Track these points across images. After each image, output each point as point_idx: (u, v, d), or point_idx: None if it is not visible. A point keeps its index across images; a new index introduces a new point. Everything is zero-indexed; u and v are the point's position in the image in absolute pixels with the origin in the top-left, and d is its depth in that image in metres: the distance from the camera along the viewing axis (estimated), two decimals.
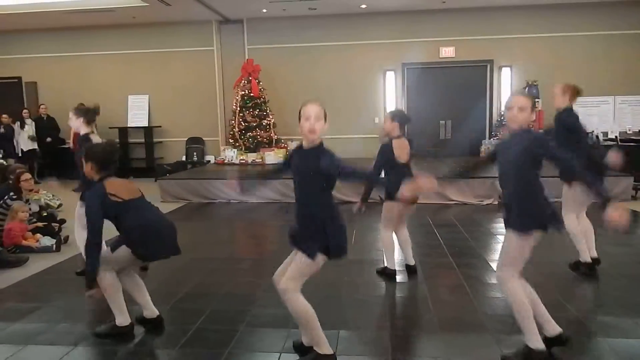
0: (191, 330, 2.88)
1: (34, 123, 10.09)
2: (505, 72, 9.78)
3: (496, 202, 6.73)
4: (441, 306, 3.16)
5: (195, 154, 10.30)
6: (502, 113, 9.71)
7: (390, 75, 10.05)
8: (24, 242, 4.65)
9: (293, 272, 2.35)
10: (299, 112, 2.46)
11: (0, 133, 9.65)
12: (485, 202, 6.76)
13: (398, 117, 3.71)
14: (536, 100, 9.47)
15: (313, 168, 2.36)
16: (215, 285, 3.70)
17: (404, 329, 2.88)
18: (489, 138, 9.80)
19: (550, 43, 9.63)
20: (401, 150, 3.60)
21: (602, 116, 9.63)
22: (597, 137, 8.15)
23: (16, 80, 10.90)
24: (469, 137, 9.97)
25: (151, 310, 2.90)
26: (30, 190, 5.31)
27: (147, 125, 10.53)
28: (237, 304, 3.30)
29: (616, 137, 8.62)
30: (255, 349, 2.66)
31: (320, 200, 2.37)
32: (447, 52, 9.87)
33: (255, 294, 3.46)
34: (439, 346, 2.65)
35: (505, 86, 9.81)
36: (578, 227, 3.75)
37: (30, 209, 5.17)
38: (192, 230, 5.76)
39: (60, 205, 6.68)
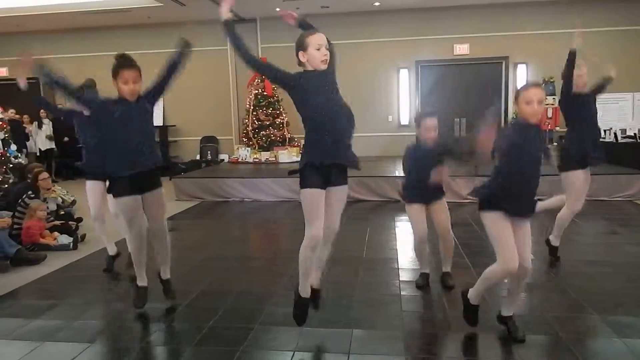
0: (205, 328, 2.90)
1: (51, 123, 10.25)
2: (521, 69, 9.67)
3: None
4: (456, 306, 3.13)
5: (209, 152, 10.38)
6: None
7: (404, 73, 10.00)
8: (42, 240, 4.72)
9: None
10: (302, 42, 2.55)
11: (24, 133, 9.79)
12: None
13: None
14: (553, 97, 9.36)
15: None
16: (229, 283, 3.72)
17: (418, 328, 2.87)
18: None
19: (566, 39, 9.32)
20: None
21: (621, 113, 9.46)
22: (615, 134, 8.01)
23: (34, 81, 11.03)
24: None
25: (164, 272, 3.23)
26: (48, 189, 5.39)
27: (162, 124, 10.63)
28: (251, 302, 3.31)
29: (635, 134, 8.46)
30: (269, 347, 2.66)
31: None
32: (462, 49, 9.78)
33: (269, 293, 3.47)
34: (453, 346, 2.64)
35: (521, 83, 9.65)
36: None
37: (48, 208, 5.25)
38: (207, 229, 5.81)
39: (74, 201, 6.77)
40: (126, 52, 3.16)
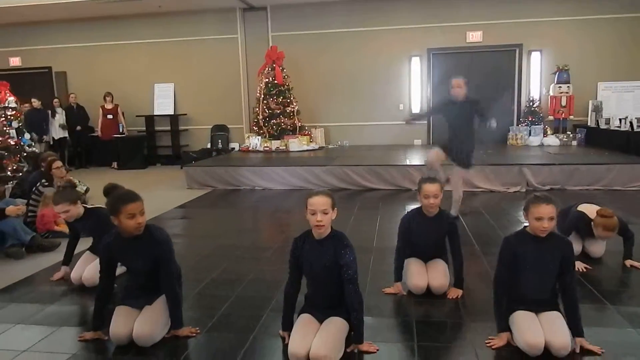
0: (217, 315, 2.93)
1: (64, 112, 10.34)
2: (535, 57, 9.51)
3: (524, 190, 6.60)
4: (467, 294, 3.12)
5: (220, 141, 10.40)
6: (532, 98, 9.49)
7: (415, 61, 9.90)
8: (56, 228, 4.78)
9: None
10: (306, 201, 2.42)
11: (41, 113, 9.86)
12: (512, 190, 6.64)
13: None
14: (567, 85, 9.22)
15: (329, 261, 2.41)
16: (240, 271, 3.74)
17: (428, 316, 2.86)
18: (517, 124, 9.58)
19: (582, 26, 9.32)
20: None
21: (637, 101, 9.31)
22: (631, 122, 7.87)
23: (46, 70, 11.16)
24: (497, 124, 9.76)
25: None
26: (62, 178, 5.45)
27: (172, 113, 10.66)
28: (262, 290, 3.33)
29: None
30: (279, 334, 2.68)
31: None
32: (475, 36, 9.65)
33: (280, 281, 3.47)
34: (464, 334, 2.63)
35: (535, 71, 9.56)
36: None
37: None
38: (218, 217, 5.84)
39: (87, 190, 6.84)
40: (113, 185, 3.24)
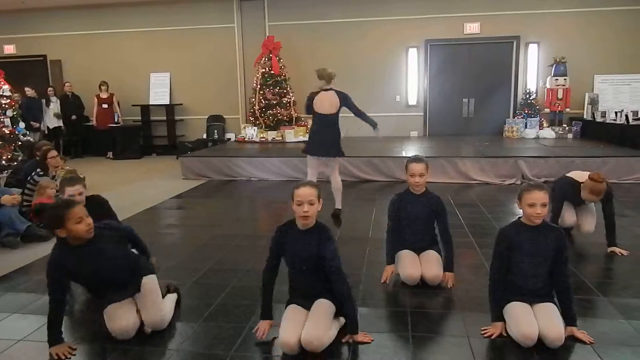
0: (214, 304, 2.94)
1: (59, 101, 10.27)
2: (533, 49, 9.51)
3: (519, 182, 6.62)
4: (461, 285, 3.15)
5: (216, 131, 10.37)
6: (529, 91, 9.49)
7: (412, 52, 9.88)
8: None
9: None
10: (292, 192, 2.46)
11: (37, 102, 9.81)
12: (507, 182, 6.66)
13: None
14: (564, 78, 9.23)
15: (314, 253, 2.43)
16: (237, 261, 3.75)
17: (423, 307, 2.89)
18: (514, 117, 9.60)
19: (580, 18, 9.31)
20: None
21: (633, 94, 9.34)
22: (627, 115, 7.90)
23: (41, 58, 11.06)
24: (493, 116, 9.81)
25: None
26: (57, 167, 5.43)
27: (168, 103, 10.61)
28: (259, 279, 3.30)
29: None
30: (276, 323, 2.69)
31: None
32: (472, 28, 9.63)
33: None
34: (458, 324, 2.65)
35: (532, 63, 9.55)
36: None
37: (57, 185, 5.29)
38: (214, 207, 5.84)
39: (83, 179, 6.81)
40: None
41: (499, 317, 2.51)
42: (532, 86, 9.55)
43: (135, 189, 6.94)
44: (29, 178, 4.91)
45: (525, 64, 9.61)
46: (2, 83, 7.15)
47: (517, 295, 2.50)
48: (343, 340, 2.43)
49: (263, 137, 9.36)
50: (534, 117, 9.29)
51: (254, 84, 9.74)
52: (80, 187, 3.36)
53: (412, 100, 10.04)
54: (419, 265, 3.18)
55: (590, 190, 3.59)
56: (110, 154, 10.27)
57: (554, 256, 2.46)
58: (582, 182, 3.68)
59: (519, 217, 2.56)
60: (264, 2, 10.11)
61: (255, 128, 9.54)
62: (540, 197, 2.41)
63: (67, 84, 10.47)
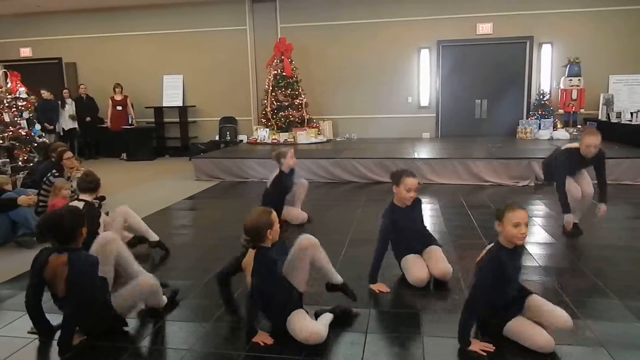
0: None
1: (74, 103, 10.41)
2: (546, 49, 9.41)
3: (532, 184, 6.56)
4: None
5: (228, 133, 10.43)
6: (542, 91, 9.40)
7: (424, 53, 9.84)
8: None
9: None
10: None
11: (52, 104, 9.96)
12: (521, 184, 6.60)
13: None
14: (578, 78, 9.13)
15: None
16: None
17: (435, 309, 2.87)
18: (527, 118, 9.51)
19: (594, 18, 9.20)
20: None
21: None
22: None
23: (56, 61, 11.22)
24: (506, 117, 9.74)
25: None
26: (72, 168, 5.49)
27: (181, 104, 10.70)
28: None
29: None
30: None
31: None
32: (485, 28, 9.56)
33: None
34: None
35: (546, 64, 9.46)
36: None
37: (72, 186, 5.35)
38: (226, 208, 5.87)
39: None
40: None
41: (468, 341, 2.39)
42: (545, 87, 9.46)
43: (149, 189, 7.00)
44: (44, 179, 4.98)
45: (538, 65, 9.52)
46: (19, 85, 7.26)
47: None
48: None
49: (275, 139, 9.39)
50: (547, 118, 9.20)
51: (266, 86, 9.78)
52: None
53: (424, 102, 10.00)
54: (425, 266, 3.18)
55: (587, 139, 3.91)
56: (124, 155, 10.38)
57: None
58: (579, 146, 4.00)
59: (492, 243, 2.45)
60: (276, 4, 10.15)
61: (267, 130, 9.58)
62: (524, 216, 2.31)
63: (81, 86, 10.61)
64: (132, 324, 2.78)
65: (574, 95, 9.11)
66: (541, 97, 9.36)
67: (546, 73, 9.49)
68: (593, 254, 3.80)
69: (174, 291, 3.05)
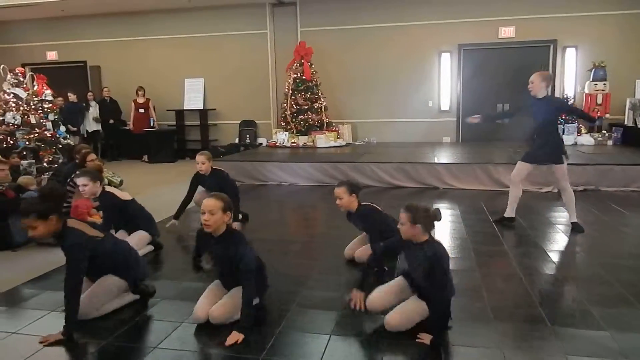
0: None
1: (97, 105, 10.60)
2: (570, 53, 9.24)
3: (555, 190, 6.43)
4: (495, 295, 3.08)
5: (247, 136, 10.50)
6: (566, 96, 9.24)
7: (445, 57, 9.76)
8: (89, 218, 4.90)
9: None
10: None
11: (77, 107, 10.19)
12: (544, 190, 6.48)
13: (353, 187, 3.63)
14: (604, 82, 8.95)
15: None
16: (266, 265, 3.76)
17: (456, 316, 2.83)
18: None
19: (619, 21, 9.01)
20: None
21: None
22: None
23: (82, 64, 11.45)
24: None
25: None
26: None
27: (202, 107, 10.81)
28: (288, 284, 3.35)
29: None
30: (305, 329, 2.69)
31: None
32: (507, 32, 9.44)
33: (306, 276, 3.50)
34: (491, 336, 2.59)
35: (570, 68, 9.29)
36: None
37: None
38: (245, 211, 5.88)
39: (121, 182, 7.03)
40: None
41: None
42: (569, 91, 9.28)
43: (169, 191, 7.07)
44: (68, 180, 5.07)
45: (562, 69, 9.35)
46: (45, 88, 7.43)
47: None
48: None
49: (294, 142, 9.42)
50: (571, 123, 9.03)
51: (286, 89, 9.81)
52: (85, 180, 3.86)
53: (445, 106, 9.91)
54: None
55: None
56: (145, 157, 10.53)
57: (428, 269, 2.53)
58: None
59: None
60: (296, 8, 10.19)
61: (287, 133, 9.61)
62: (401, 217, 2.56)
63: (105, 89, 10.80)
64: (153, 327, 2.80)
65: (599, 100, 8.92)
66: (565, 101, 9.18)
67: (570, 77, 9.31)
68: (619, 262, 3.71)
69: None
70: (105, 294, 2.91)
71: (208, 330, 2.69)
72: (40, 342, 2.57)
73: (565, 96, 9.21)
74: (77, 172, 4.03)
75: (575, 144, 8.77)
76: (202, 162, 4.80)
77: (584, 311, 2.84)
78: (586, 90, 9.07)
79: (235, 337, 2.55)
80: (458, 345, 2.49)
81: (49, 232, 2.66)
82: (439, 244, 2.62)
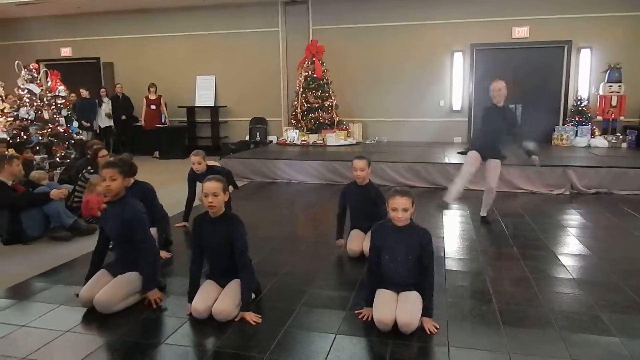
0: (251, 306, 2.96)
1: (110, 101, 10.69)
2: (585, 54, 9.12)
3: (568, 193, 6.37)
4: (503, 298, 3.05)
5: (258, 134, 10.51)
6: (580, 97, 9.13)
7: (458, 57, 9.68)
8: (100, 214, 4.95)
9: None
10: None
11: (90, 103, 10.30)
12: (555, 192, 6.42)
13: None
14: (619, 84, 8.83)
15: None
16: (274, 264, 3.77)
17: (463, 319, 2.81)
18: (563, 124, 9.24)
19: (635, 22, 8.87)
20: None
21: None
22: None
23: (95, 60, 11.55)
24: (541, 123, 9.47)
25: None
26: None
27: (213, 105, 10.84)
28: (295, 283, 3.35)
29: None
30: (311, 328, 2.69)
31: None
32: (521, 32, 9.34)
33: (313, 275, 3.50)
34: (499, 339, 2.57)
35: (585, 69, 9.17)
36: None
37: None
38: (254, 209, 5.91)
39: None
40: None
41: (370, 302, 2.74)
42: (583, 93, 9.17)
43: (180, 188, 7.07)
44: (80, 175, 5.13)
45: (576, 70, 9.23)
46: (58, 84, 7.51)
47: (384, 284, 2.77)
48: (236, 320, 2.73)
49: (304, 140, 9.42)
50: (585, 124, 8.92)
51: (297, 87, 9.81)
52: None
53: (457, 106, 9.84)
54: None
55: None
56: (156, 154, 10.59)
57: (419, 254, 2.68)
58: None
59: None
60: (308, 6, 10.18)
61: (297, 131, 9.61)
62: (401, 202, 2.64)
63: (118, 86, 10.88)
64: (163, 322, 2.82)
65: (614, 102, 8.80)
66: (579, 103, 9.09)
67: (584, 78, 9.20)
68: (631, 267, 3.65)
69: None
70: (128, 284, 2.98)
71: (214, 327, 2.70)
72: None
73: (579, 97, 9.10)
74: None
75: (589, 146, 8.67)
76: (198, 162, 4.89)
77: (594, 316, 2.81)
78: (600, 92, 8.95)
79: (250, 316, 2.74)
80: (465, 348, 2.47)
81: (120, 187, 3.04)
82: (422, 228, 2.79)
